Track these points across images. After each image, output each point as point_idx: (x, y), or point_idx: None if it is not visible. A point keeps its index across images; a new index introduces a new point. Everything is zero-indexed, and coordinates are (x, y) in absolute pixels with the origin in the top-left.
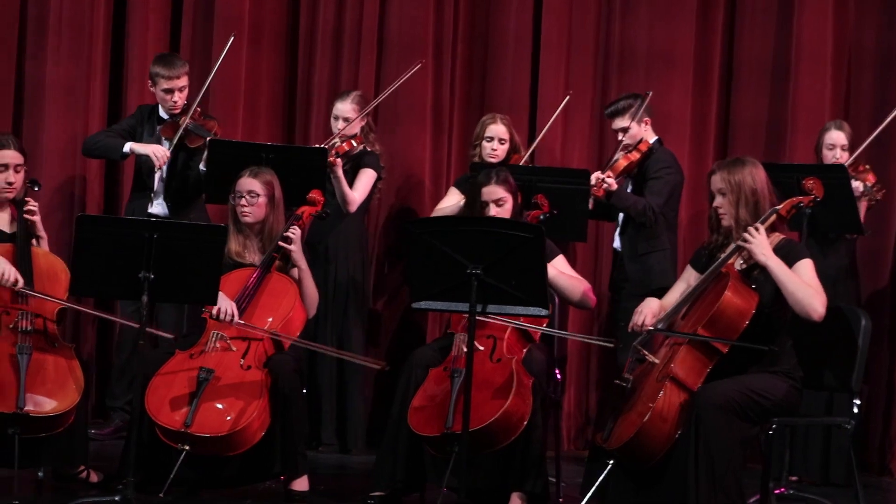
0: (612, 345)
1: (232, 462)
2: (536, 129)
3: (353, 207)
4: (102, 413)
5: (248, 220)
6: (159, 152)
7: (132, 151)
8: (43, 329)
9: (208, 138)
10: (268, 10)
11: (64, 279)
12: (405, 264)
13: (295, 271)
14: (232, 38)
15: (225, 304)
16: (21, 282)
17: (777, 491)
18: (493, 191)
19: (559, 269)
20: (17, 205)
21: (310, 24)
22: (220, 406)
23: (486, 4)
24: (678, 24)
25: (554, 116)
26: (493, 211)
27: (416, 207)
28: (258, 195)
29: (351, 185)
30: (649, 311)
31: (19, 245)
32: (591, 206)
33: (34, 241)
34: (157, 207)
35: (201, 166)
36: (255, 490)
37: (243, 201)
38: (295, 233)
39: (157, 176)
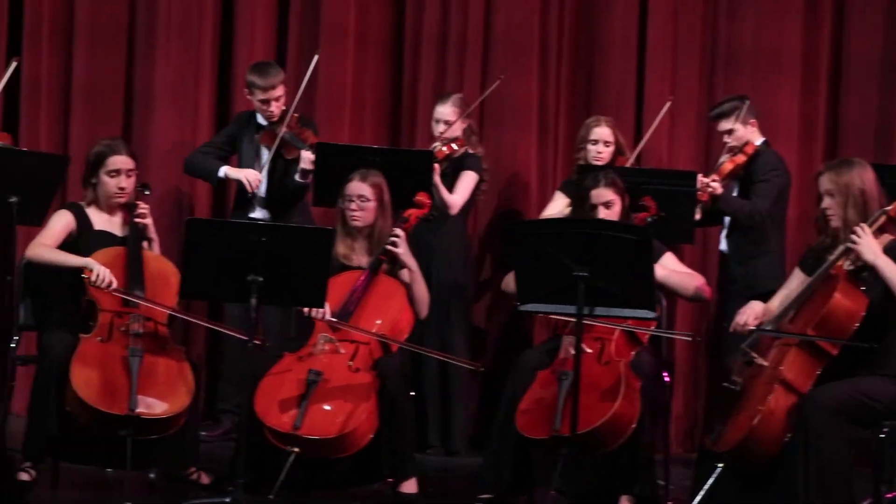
0: (689, 338)
1: (341, 464)
2: (642, 131)
3: (455, 210)
4: (212, 415)
5: (357, 223)
6: (251, 177)
7: (226, 176)
8: (154, 332)
9: (303, 150)
10: (373, 15)
11: (174, 282)
12: (510, 266)
13: (404, 273)
14: (316, 57)
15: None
16: (115, 283)
17: (889, 495)
18: (602, 193)
19: (669, 268)
20: (128, 209)
21: (415, 29)
22: (328, 408)
23: (591, 6)
24: (785, 24)
25: (656, 122)
26: (602, 213)
27: (521, 210)
28: (368, 199)
29: (452, 187)
30: (752, 312)
31: (131, 248)
32: (698, 215)
33: (145, 245)
34: (259, 213)
35: (297, 177)
36: (363, 492)
37: (353, 205)
38: (401, 235)
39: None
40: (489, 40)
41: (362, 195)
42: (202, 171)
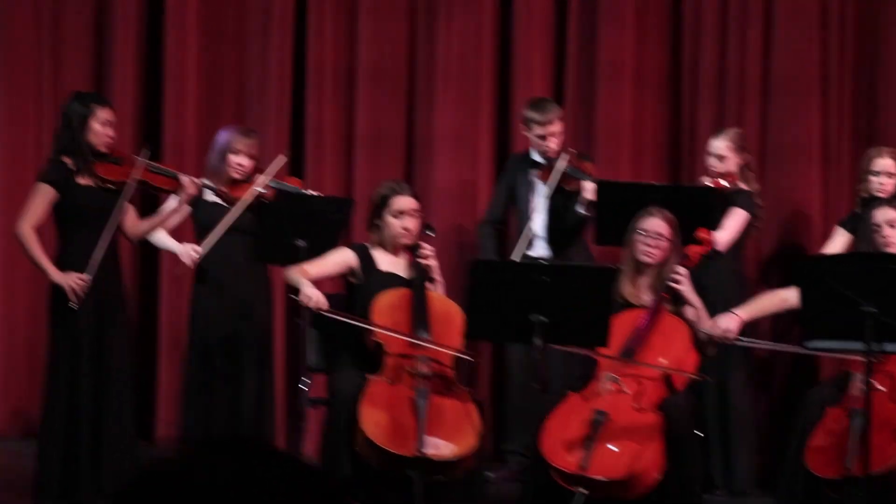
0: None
1: None
2: None
3: (720, 247)
4: (499, 456)
5: (648, 260)
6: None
7: None
8: (440, 373)
9: (584, 180)
10: (650, 53)
11: (459, 323)
12: (802, 303)
13: (688, 310)
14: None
15: None
16: (323, 305)
17: None
18: (886, 212)
19: None
20: (412, 250)
21: (693, 65)
22: (615, 449)
23: (874, 35)
24: None
25: None
26: (886, 232)
27: (804, 245)
28: (664, 238)
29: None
30: None
31: (416, 290)
32: None
33: (430, 286)
34: (540, 250)
35: (578, 209)
36: None
37: (650, 241)
38: (683, 273)
39: (535, 219)
40: (768, 74)
41: (660, 233)
42: (482, 250)
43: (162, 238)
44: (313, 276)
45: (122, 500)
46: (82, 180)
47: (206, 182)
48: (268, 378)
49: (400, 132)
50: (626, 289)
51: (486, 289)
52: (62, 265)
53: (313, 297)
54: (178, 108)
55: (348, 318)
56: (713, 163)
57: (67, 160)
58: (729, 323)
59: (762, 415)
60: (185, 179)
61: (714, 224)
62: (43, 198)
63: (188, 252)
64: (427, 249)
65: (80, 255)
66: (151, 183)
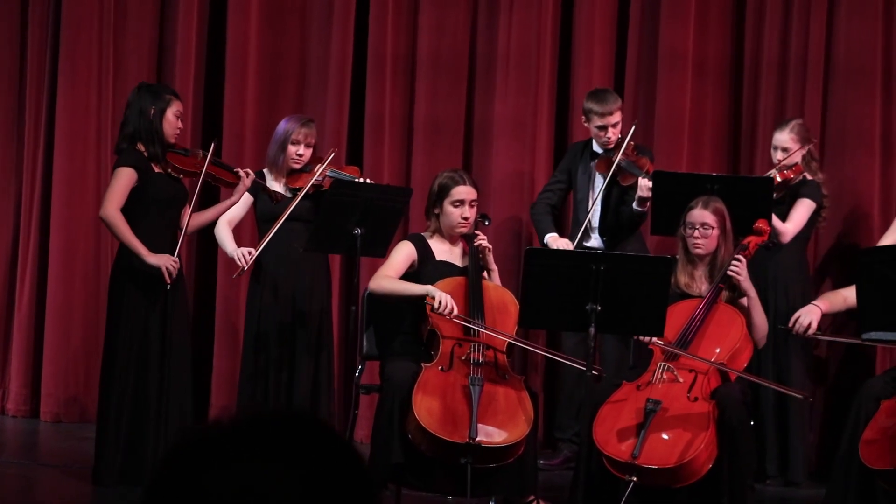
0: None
1: (679, 494)
2: None
3: (786, 238)
4: (551, 444)
5: (699, 251)
6: (561, 244)
7: (546, 245)
8: (494, 361)
9: (640, 177)
10: (712, 41)
11: (513, 311)
12: (859, 295)
13: (744, 301)
14: None
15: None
16: (456, 310)
17: None
18: None
19: None
20: (468, 239)
21: (754, 54)
22: (667, 437)
23: None
24: None
25: None
26: None
27: (864, 237)
28: (711, 227)
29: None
30: None
31: (471, 278)
32: None
33: (485, 275)
34: (594, 242)
35: (635, 206)
36: None
37: (696, 233)
38: (741, 262)
39: (592, 212)
40: (830, 64)
41: (705, 223)
42: (537, 229)
43: (223, 237)
44: (394, 278)
45: (169, 459)
46: (156, 168)
47: (263, 172)
48: (324, 364)
49: (458, 121)
50: (683, 279)
51: (541, 277)
52: (127, 251)
53: (447, 302)
54: (238, 96)
55: (479, 327)
56: (779, 155)
57: (141, 148)
58: (812, 317)
59: (817, 406)
60: (241, 172)
61: (771, 214)
62: (126, 181)
63: (241, 255)
64: (482, 238)
65: (145, 241)
66: (216, 175)
